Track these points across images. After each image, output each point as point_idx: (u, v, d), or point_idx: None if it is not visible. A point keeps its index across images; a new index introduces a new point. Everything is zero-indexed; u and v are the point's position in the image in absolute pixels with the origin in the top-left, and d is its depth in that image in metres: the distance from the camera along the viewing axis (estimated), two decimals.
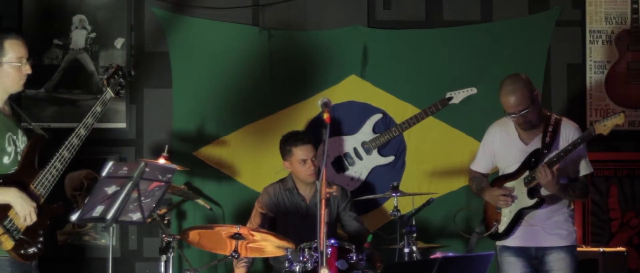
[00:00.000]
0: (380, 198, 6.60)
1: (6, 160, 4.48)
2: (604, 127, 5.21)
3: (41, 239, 4.52)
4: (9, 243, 4.38)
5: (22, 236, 4.42)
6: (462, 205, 6.66)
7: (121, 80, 4.74)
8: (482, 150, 5.71)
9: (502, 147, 5.57)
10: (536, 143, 5.43)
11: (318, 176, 6.10)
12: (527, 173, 5.41)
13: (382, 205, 6.82)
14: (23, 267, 4.50)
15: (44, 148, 4.63)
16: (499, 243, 5.59)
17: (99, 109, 4.61)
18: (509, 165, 5.53)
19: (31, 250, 4.47)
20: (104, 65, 6.77)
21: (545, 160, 5.28)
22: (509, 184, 5.50)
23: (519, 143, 5.50)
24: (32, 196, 4.44)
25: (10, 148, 4.50)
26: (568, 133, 5.40)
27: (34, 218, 4.42)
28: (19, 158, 4.53)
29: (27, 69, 4.60)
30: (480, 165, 5.74)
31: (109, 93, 4.66)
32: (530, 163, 5.40)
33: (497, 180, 5.61)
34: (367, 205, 6.70)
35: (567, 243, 5.45)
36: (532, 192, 5.40)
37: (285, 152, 6.21)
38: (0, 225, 4.35)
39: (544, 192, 5.38)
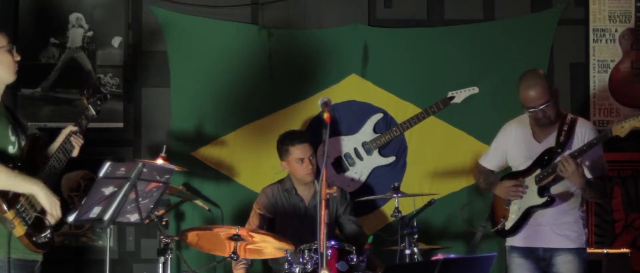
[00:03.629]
0: (381, 199, 6.59)
1: (11, 149, 4.48)
2: (622, 128, 5.16)
3: (49, 230, 4.51)
4: (21, 229, 4.37)
5: (37, 214, 4.42)
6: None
7: (98, 102, 4.87)
8: (495, 146, 5.71)
9: (516, 144, 5.56)
10: (550, 142, 5.41)
11: (317, 176, 6.11)
12: (539, 171, 5.38)
13: (383, 206, 6.79)
14: (25, 269, 4.51)
15: (40, 149, 4.64)
16: (508, 243, 5.58)
17: (84, 122, 4.75)
18: (521, 162, 5.52)
19: (43, 238, 4.47)
20: (101, 65, 6.76)
21: (566, 153, 5.24)
22: None
23: (532, 141, 5.48)
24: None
25: (14, 138, 4.51)
26: (583, 132, 5.37)
27: (59, 213, 4.43)
28: (22, 151, 4.54)
29: (17, 56, 4.60)
30: (490, 162, 5.73)
31: (91, 111, 4.81)
32: (543, 161, 5.38)
33: (508, 176, 5.58)
34: (367, 206, 6.68)
35: (576, 246, 5.42)
36: (542, 191, 5.37)
37: (282, 152, 6.21)
38: (12, 209, 4.33)
39: (554, 190, 5.36)
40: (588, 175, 5.31)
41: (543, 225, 5.42)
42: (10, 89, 4.71)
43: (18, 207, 4.36)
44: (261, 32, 6.81)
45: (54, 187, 4.54)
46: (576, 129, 5.39)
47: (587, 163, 5.30)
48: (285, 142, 6.19)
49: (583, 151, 5.20)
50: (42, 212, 4.46)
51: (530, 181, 5.42)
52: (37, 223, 4.45)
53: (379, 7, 6.91)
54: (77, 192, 6.17)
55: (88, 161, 4.82)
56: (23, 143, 4.56)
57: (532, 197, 5.41)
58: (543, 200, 5.37)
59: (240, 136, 6.81)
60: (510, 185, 5.46)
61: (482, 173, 5.73)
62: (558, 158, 5.24)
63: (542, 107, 5.30)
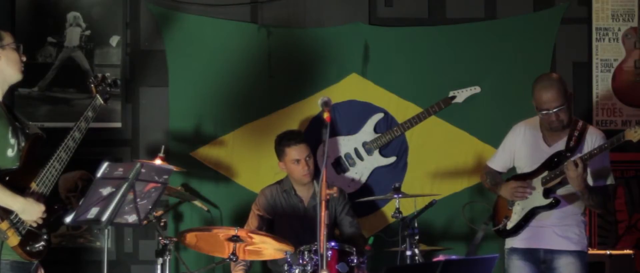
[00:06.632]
0: (381, 199, 6.54)
1: (10, 152, 4.46)
2: (635, 133, 5.12)
3: (45, 237, 4.51)
4: (15, 239, 4.37)
5: (30, 228, 4.41)
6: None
7: (108, 88, 4.76)
8: (503, 147, 5.68)
9: (524, 145, 5.53)
10: (559, 146, 5.39)
11: (315, 176, 6.09)
12: (546, 173, 5.35)
13: (383, 207, 6.76)
14: (22, 270, 4.49)
15: (41, 148, 4.62)
16: (507, 245, 5.56)
17: (90, 114, 4.65)
18: (528, 164, 5.49)
19: (37, 247, 4.47)
20: (99, 64, 6.75)
21: (576, 156, 5.21)
22: None
23: (542, 144, 5.46)
24: (36, 195, 4.42)
25: (13, 140, 4.49)
26: (594, 140, 5.35)
27: (40, 220, 4.42)
28: (21, 153, 4.51)
29: (23, 56, 4.60)
30: (498, 163, 5.71)
31: (99, 100, 4.70)
32: (552, 163, 5.34)
33: (514, 177, 5.56)
34: (368, 206, 6.64)
35: (578, 249, 5.40)
36: (548, 192, 5.34)
37: (279, 152, 6.21)
38: (6, 219, 4.34)
39: (560, 193, 5.34)
40: (591, 181, 5.27)
41: (546, 227, 5.40)
42: (9, 88, 4.68)
43: (12, 217, 4.36)
44: (260, 31, 6.77)
45: (55, 186, 4.52)
46: (587, 136, 5.37)
47: (592, 168, 5.26)
48: (282, 142, 6.19)
49: (593, 154, 5.17)
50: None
51: (536, 182, 5.40)
52: (31, 233, 4.44)
53: (379, 5, 6.88)
54: (75, 192, 6.14)
55: (86, 161, 4.80)
56: (23, 144, 4.53)
57: (537, 198, 5.38)
58: (548, 201, 5.35)
59: (240, 136, 6.78)
60: (516, 186, 5.43)
61: (489, 175, 5.70)
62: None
63: (556, 110, 5.26)
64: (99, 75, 4.74)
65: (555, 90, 5.26)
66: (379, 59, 6.77)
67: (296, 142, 6.13)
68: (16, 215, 4.36)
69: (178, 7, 6.79)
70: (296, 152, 6.11)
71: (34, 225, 4.41)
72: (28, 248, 4.42)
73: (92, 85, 4.72)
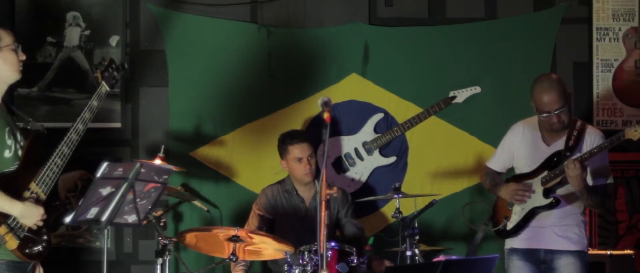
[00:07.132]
0: (381, 199, 6.54)
1: (7, 153, 4.44)
2: (635, 132, 5.11)
3: (45, 238, 4.49)
4: (13, 243, 4.35)
5: (27, 234, 4.39)
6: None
7: (115, 73, 4.75)
8: (502, 147, 5.66)
9: (523, 145, 5.51)
10: (558, 146, 5.37)
11: (316, 176, 6.09)
12: (546, 173, 5.33)
13: (383, 207, 6.75)
14: (20, 269, 4.47)
15: (41, 146, 4.60)
16: (507, 246, 5.55)
17: (95, 103, 4.62)
18: (527, 164, 5.48)
19: (36, 249, 4.44)
20: (98, 64, 6.71)
21: (576, 156, 5.20)
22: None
23: (541, 144, 5.45)
24: (35, 198, 4.40)
25: (10, 141, 4.46)
26: (593, 140, 5.34)
27: (41, 221, 4.40)
28: (20, 153, 4.49)
29: (22, 55, 4.58)
30: (497, 163, 5.70)
31: (104, 87, 4.67)
32: (551, 163, 5.33)
33: (514, 178, 5.55)
34: (368, 206, 6.63)
35: (578, 249, 5.39)
36: (548, 192, 5.33)
37: (282, 151, 6.22)
38: (4, 224, 4.31)
39: (559, 193, 5.33)
40: (590, 181, 5.26)
41: (546, 227, 5.39)
42: (8, 88, 4.67)
43: (9, 222, 4.33)
44: (260, 31, 6.76)
45: (55, 185, 4.50)
46: (586, 136, 5.35)
47: (591, 168, 5.25)
48: (285, 141, 6.19)
49: (593, 154, 5.15)
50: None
51: (536, 183, 5.38)
52: (30, 236, 4.41)
53: (379, 5, 6.87)
54: (74, 192, 6.13)
55: (85, 161, 4.78)
56: (23, 143, 4.51)
57: (537, 198, 5.37)
58: (548, 201, 5.34)
59: (240, 136, 6.77)
60: (515, 189, 5.42)
61: (488, 175, 5.69)
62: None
63: (556, 112, 5.25)
64: (107, 58, 4.73)
65: (556, 92, 5.24)
66: (379, 59, 6.77)
67: (299, 141, 6.14)
68: (14, 218, 4.33)
69: (178, 7, 6.78)
70: (299, 151, 6.12)
71: (34, 227, 4.40)
72: (27, 250, 4.40)
73: (99, 70, 4.71)
